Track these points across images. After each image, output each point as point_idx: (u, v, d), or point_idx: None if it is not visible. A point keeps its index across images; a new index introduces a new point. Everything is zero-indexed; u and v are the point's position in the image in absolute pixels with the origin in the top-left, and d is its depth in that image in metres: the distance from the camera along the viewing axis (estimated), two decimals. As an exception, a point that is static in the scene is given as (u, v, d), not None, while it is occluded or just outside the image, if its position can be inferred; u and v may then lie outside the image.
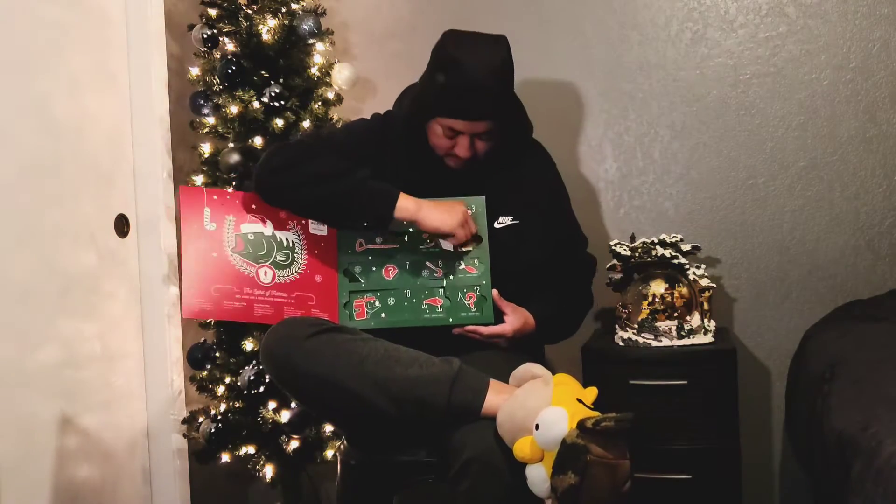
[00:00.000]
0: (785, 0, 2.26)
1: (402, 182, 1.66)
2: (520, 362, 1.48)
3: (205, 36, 2.18)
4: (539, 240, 1.77)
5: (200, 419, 2.20)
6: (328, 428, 2.15)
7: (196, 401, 2.30)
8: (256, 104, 2.11)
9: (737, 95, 2.30)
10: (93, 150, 2.12)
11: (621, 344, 2.05)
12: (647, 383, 1.96)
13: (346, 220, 1.67)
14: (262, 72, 2.16)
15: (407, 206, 1.61)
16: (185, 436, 2.26)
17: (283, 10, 2.18)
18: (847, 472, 1.28)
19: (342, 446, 1.69)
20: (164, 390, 2.28)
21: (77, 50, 2.08)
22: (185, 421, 2.24)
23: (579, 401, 1.33)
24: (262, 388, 2.10)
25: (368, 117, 1.84)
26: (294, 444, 2.13)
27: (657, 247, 2.06)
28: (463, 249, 1.69)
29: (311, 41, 2.21)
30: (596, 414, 1.28)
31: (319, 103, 2.21)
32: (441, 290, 1.69)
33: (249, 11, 2.16)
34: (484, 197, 1.71)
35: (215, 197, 1.68)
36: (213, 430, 2.12)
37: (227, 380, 2.16)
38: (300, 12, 2.20)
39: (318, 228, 1.72)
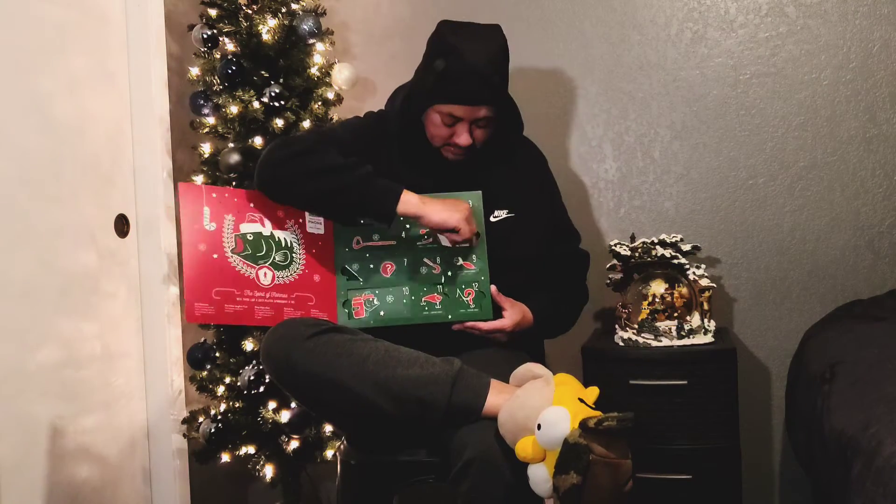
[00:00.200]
0: (785, 0, 2.26)
1: (398, 178, 1.66)
2: (520, 362, 1.48)
3: (205, 36, 2.18)
4: (535, 233, 1.79)
5: (200, 419, 2.20)
6: (328, 428, 2.15)
7: (196, 401, 2.30)
8: (256, 104, 2.11)
9: (737, 95, 2.30)
10: (93, 150, 2.12)
11: (621, 344, 2.05)
12: (648, 383, 1.96)
13: (350, 215, 1.67)
14: (262, 72, 2.16)
15: (411, 201, 1.61)
16: (185, 436, 2.26)
17: (283, 10, 2.18)
18: (847, 472, 1.28)
19: (342, 446, 1.69)
20: (164, 390, 2.28)
21: (77, 50, 2.08)
22: (185, 421, 2.24)
23: (581, 400, 1.33)
24: (262, 388, 2.10)
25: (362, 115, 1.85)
26: (294, 444, 2.13)
27: (657, 247, 2.06)
28: (461, 245, 1.69)
29: (311, 41, 2.21)
30: (598, 413, 1.28)
31: (319, 103, 2.21)
32: (439, 287, 1.69)
33: (249, 11, 2.16)
34: (480, 192, 1.72)
35: (214, 195, 1.67)
36: (213, 430, 2.12)
37: (227, 380, 2.16)
38: (300, 12, 2.20)
39: (315, 227, 1.71)
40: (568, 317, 1.89)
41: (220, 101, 2.14)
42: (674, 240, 2.07)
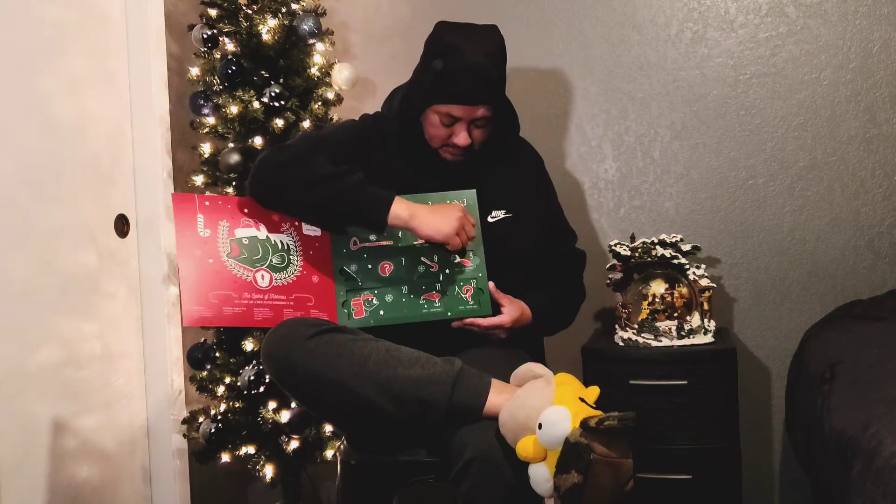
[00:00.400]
0: (785, 0, 2.26)
1: (395, 180, 1.66)
2: (521, 362, 1.48)
3: (205, 36, 2.18)
4: (532, 233, 1.79)
5: (200, 419, 2.20)
6: (328, 428, 2.15)
7: (196, 401, 2.30)
8: (256, 104, 2.11)
9: (737, 95, 2.30)
10: (93, 150, 2.12)
11: (621, 344, 2.05)
12: (648, 383, 1.96)
13: (340, 224, 1.68)
14: (262, 72, 2.16)
15: (400, 213, 1.60)
16: (185, 436, 2.26)
17: (283, 10, 2.18)
18: (847, 472, 1.28)
19: (342, 446, 1.69)
20: (164, 390, 2.28)
21: (77, 50, 2.08)
22: (185, 421, 2.24)
23: (582, 400, 1.33)
24: (262, 388, 2.10)
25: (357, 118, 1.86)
26: (294, 444, 2.13)
27: (657, 247, 2.06)
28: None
29: (311, 41, 2.21)
30: (598, 413, 1.28)
31: (319, 103, 2.21)
32: (438, 285, 1.69)
33: (249, 11, 2.16)
34: (475, 190, 1.72)
35: (207, 203, 1.67)
36: (213, 430, 2.12)
37: (227, 380, 2.16)
38: (300, 12, 2.20)
39: (311, 229, 1.71)
40: (566, 314, 1.90)
41: (220, 101, 2.14)
42: (674, 240, 2.07)
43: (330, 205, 1.62)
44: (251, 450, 2.15)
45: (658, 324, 2.04)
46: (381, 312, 1.68)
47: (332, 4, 2.44)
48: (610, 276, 2.14)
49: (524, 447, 1.31)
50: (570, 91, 2.40)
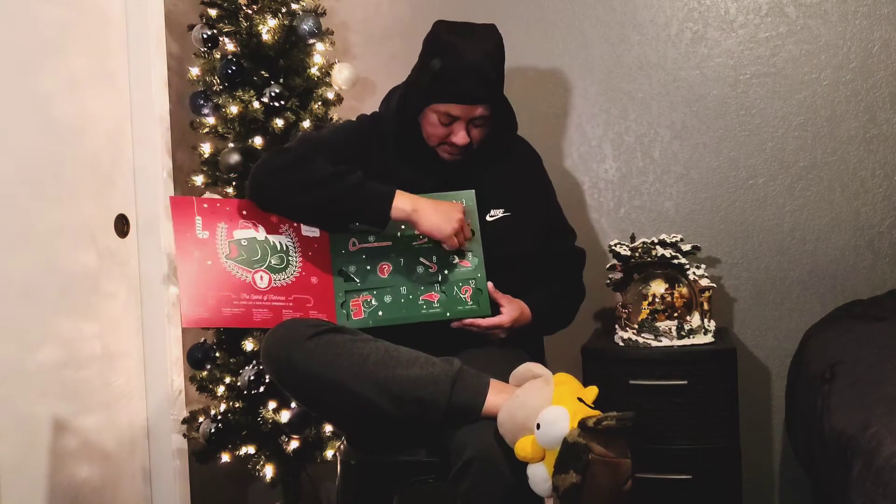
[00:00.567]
0: (785, 0, 2.26)
1: (393, 180, 1.66)
2: (520, 361, 1.48)
3: (205, 36, 2.18)
4: (531, 232, 1.79)
5: (200, 419, 2.20)
6: (328, 428, 2.15)
7: (196, 401, 2.30)
8: (256, 104, 2.11)
9: (737, 95, 2.30)
10: (93, 150, 2.12)
11: (621, 344, 2.05)
12: (648, 383, 1.96)
13: (343, 224, 1.67)
14: (262, 72, 2.16)
15: (403, 206, 1.61)
16: (185, 436, 2.26)
17: (283, 10, 2.18)
18: (847, 472, 1.28)
19: (342, 446, 1.69)
20: (164, 390, 2.28)
21: (77, 50, 2.08)
22: (185, 421, 2.24)
23: (580, 400, 1.33)
24: (262, 388, 2.10)
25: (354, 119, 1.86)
26: (294, 444, 2.13)
27: (657, 247, 2.06)
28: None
29: (311, 41, 2.21)
30: (597, 413, 1.28)
31: (319, 103, 2.21)
32: (437, 285, 1.69)
33: (249, 11, 2.16)
34: (473, 191, 1.72)
35: (205, 205, 1.67)
36: (213, 430, 2.12)
37: (227, 380, 2.16)
38: (300, 12, 2.20)
39: (310, 230, 1.72)
40: (566, 313, 1.89)
41: (220, 101, 2.14)
42: (674, 240, 2.07)
43: (331, 205, 1.62)
44: (251, 450, 2.15)
45: (658, 324, 2.04)
46: (380, 313, 1.68)
47: (332, 4, 2.44)
48: (610, 276, 2.14)
49: (523, 447, 1.31)
50: (570, 91, 2.40)
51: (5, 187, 1.84)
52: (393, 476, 1.59)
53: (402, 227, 1.69)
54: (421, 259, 1.70)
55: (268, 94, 2.12)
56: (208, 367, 2.19)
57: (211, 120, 2.20)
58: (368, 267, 1.70)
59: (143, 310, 2.28)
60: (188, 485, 2.32)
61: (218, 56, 2.19)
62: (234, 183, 2.15)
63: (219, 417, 2.13)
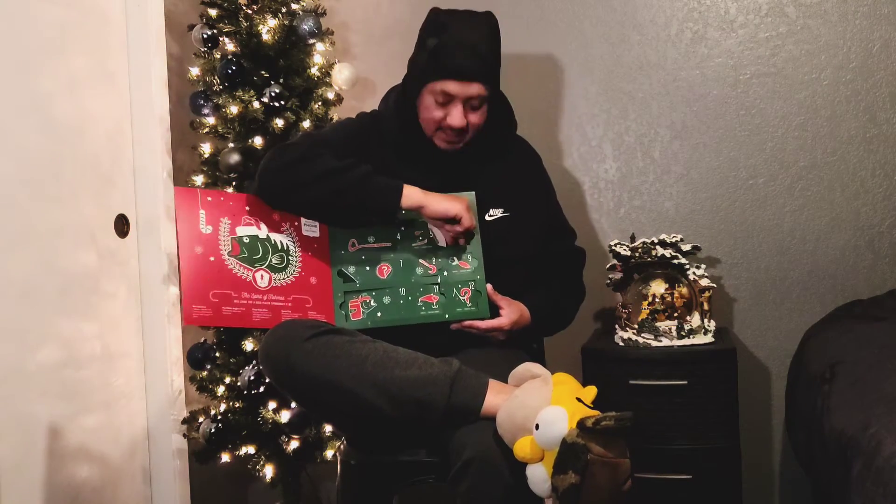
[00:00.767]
0: (785, 0, 2.26)
1: (394, 177, 1.66)
2: (519, 362, 1.48)
3: (205, 36, 2.18)
4: (530, 231, 1.79)
5: (200, 419, 2.20)
6: (328, 428, 2.15)
7: (196, 401, 2.30)
8: (256, 104, 2.11)
9: (737, 95, 2.30)
10: (93, 150, 2.12)
11: (621, 344, 2.05)
12: (647, 383, 1.96)
13: (353, 216, 1.67)
14: (262, 72, 2.16)
15: (413, 194, 1.63)
16: (185, 436, 2.26)
17: (283, 10, 2.18)
18: (847, 472, 1.28)
19: (342, 446, 1.69)
20: (164, 390, 2.28)
21: (77, 50, 2.08)
22: (185, 421, 2.24)
23: (579, 400, 1.33)
24: (262, 388, 2.10)
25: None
26: (294, 444, 2.13)
27: (657, 247, 2.06)
28: (460, 242, 1.69)
29: (311, 41, 2.21)
30: (596, 413, 1.28)
31: (319, 103, 2.21)
32: (436, 287, 1.69)
33: (249, 11, 2.16)
34: (474, 192, 1.72)
35: (209, 199, 1.67)
36: (213, 430, 2.12)
37: (227, 380, 2.16)
38: (300, 12, 2.20)
39: (310, 230, 1.71)
40: (566, 314, 1.89)
41: (220, 101, 2.14)
42: (674, 240, 2.07)
43: (340, 198, 1.62)
44: (251, 450, 2.15)
45: (658, 324, 2.04)
46: (379, 314, 1.67)
47: (332, 4, 2.45)
48: (610, 276, 2.14)
49: (521, 447, 1.31)
50: (571, 91, 2.40)
51: (5, 187, 1.84)
52: (393, 476, 1.59)
53: (403, 228, 1.69)
54: (420, 260, 1.70)
55: (268, 94, 2.12)
56: (208, 367, 2.19)
57: (211, 120, 2.20)
58: (368, 268, 1.70)
59: (143, 310, 2.28)
60: (188, 485, 2.32)
61: (218, 56, 2.19)
62: (233, 183, 2.15)
63: (219, 417, 2.13)
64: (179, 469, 2.29)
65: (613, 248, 2.09)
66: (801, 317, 2.26)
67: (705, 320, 2.04)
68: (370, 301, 1.68)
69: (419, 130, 1.74)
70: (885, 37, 2.20)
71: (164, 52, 2.29)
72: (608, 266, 2.14)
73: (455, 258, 1.70)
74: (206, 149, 2.22)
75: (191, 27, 2.23)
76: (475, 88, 1.67)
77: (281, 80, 2.17)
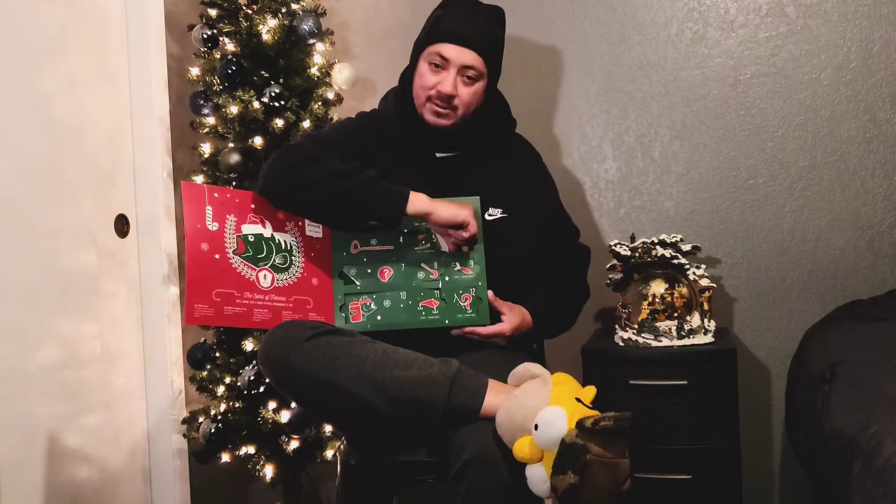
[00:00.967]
0: (785, 0, 2.26)
1: (393, 177, 1.66)
2: (518, 362, 1.48)
3: (205, 36, 2.18)
4: (530, 232, 1.79)
5: (200, 419, 2.20)
6: (328, 428, 2.15)
7: (196, 401, 2.30)
8: (256, 104, 2.11)
9: (737, 95, 2.30)
10: (93, 150, 2.12)
11: (621, 344, 2.05)
12: (647, 383, 1.96)
13: (357, 219, 1.67)
14: (262, 72, 2.16)
15: (418, 201, 1.62)
16: (185, 436, 2.26)
17: (283, 10, 2.18)
18: (847, 472, 1.28)
19: (342, 446, 1.69)
20: (164, 390, 2.28)
21: (77, 50, 2.08)
22: (185, 421, 2.24)
23: (578, 400, 1.33)
24: (262, 388, 2.10)
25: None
26: (294, 444, 2.13)
27: (657, 247, 2.06)
28: (463, 249, 1.69)
29: (311, 41, 2.21)
30: (595, 413, 1.28)
31: (319, 103, 2.21)
32: (437, 292, 1.69)
33: (249, 11, 2.16)
34: (478, 197, 1.71)
35: (216, 195, 1.66)
36: (213, 430, 2.12)
37: (227, 380, 2.17)
38: (300, 12, 2.20)
39: (313, 231, 1.71)
40: (568, 316, 1.89)
41: (220, 101, 2.14)
42: (674, 240, 2.06)
43: (345, 201, 1.62)
44: (251, 450, 2.15)
45: (658, 324, 2.04)
46: (379, 317, 1.67)
47: (332, 4, 2.44)
48: (610, 276, 2.14)
49: (521, 448, 1.31)
50: (571, 91, 2.40)
51: (5, 187, 1.84)
52: (393, 476, 1.59)
53: (405, 231, 1.69)
54: (422, 265, 1.70)
55: (268, 94, 2.12)
56: (208, 367, 2.19)
57: (211, 120, 2.20)
58: (369, 270, 1.69)
59: (143, 310, 2.28)
60: (188, 485, 2.32)
61: (218, 56, 2.19)
62: (233, 183, 2.15)
63: (219, 417, 2.13)
64: (179, 469, 2.29)
65: (613, 248, 2.09)
66: (801, 317, 2.26)
67: (705, 320, 2.04)
68: (370, 304, 1.68)
69: (418, 125, 1.74)
70: (885, 37, 2.20)
71: (164, 52, 2.29)
72: (608, 266, 2.14)
73: (457, 264, 1.70)
74: (206, 149, 2.22)
75: (191, 27, 2.23)
76: (470, 56, 1.68)
77: (281, 80, 2.17)
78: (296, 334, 1.48)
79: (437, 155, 1.77)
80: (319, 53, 2.24)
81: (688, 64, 2.32)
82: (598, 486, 1.24)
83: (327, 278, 1.69)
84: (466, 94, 1.71)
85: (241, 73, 2.13)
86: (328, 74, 2.25)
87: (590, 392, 1.38)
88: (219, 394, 2.17)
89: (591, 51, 2.38)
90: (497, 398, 1.40)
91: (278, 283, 1.67)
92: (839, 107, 2.24)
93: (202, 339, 2.23)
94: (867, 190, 2.23)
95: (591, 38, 2.38)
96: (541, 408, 1.32)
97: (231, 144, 2.17)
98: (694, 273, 2.05)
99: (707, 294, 2.05)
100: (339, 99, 2.28)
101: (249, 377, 2.10)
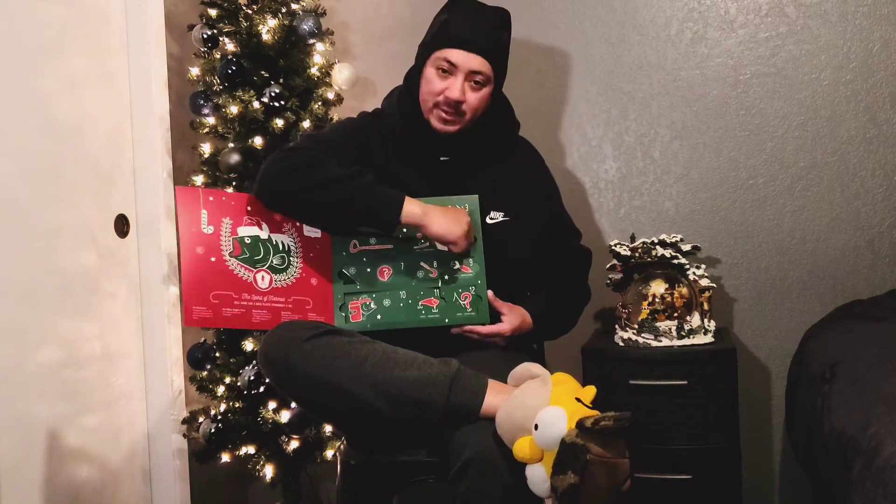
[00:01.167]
0: (785, 0, 2.26)
1: (393, 178, 1.66)
2: (518, 362, 1.48)
3: (205, 36, 2.18)
4: (531, 235, 1.78)
5: (200, 419, 2.20)
6: (328, 428, 2.15)
7: (196, 401, 2.30)
8: (256, 104, 2.11)
9: (737, 95, 2.30)
10: (93, 150, 2.12)
11: (621, 344, 2.05)
12: (647, 383, 1.96)
13: (352, 225, 1.66)
14: (262, 72, 2.16)
15: (413, 211, 1.61)
16: (185, 436, 2.26)
17: (283, 10, 2.18)
18: (847, 472, 1.28)
19: (342, 446, 1.69)
20: (164, 390, 2.28)
21: (77, 50, 2.08)
22: (185, 421, 2.24)
23: (578, 400, 1.33)
24: (262, 389, 2.11)
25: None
26: (294, 444, 2.13)
27: (657, 247, 2.06)
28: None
29: (311, 41, 2.21)
30: (595, 413, 1.28)
31: (319, 103, 2.21)
32: (436, 291, 1.69)
33: (249, 11, 2.16)
34: (477, 196, 1.71)
35: (211, 198, 1.66)
36: (213, 430, 2.12)
37: (227, 380, 2.17)
38: (300, 12, 2.20)
39: (312, 231, 1.71)
40: (569, 317, 1.89)
41: (220, 101, 2.14)
42: (674, 240, 2.06)
43: (342, 206, 1.61)
44: (251, 450, 2.15)
45: (658, 324, 2.04)
46: (379, 317, 1.67)
47: (332, 4, 2.45)
48: (610, 276, 2.14)
49: (521, 448, 1.31)
50: (571, 91, 2.40)
51: (5, 187, 1.84)
52: (393, 476, 1.59)
53: (405, 230, 1.69)
54: (422, 263, 1.70)
55: (268, 94, 2.12)
56: (208, 367, 2.19)
57: (211, 120, 2.20)
58: (369, 270, 1.69)
59: (143, 310, 2.28)
60: (188, 485, 2.32)
61: (218, 56, 2.19)
62: (233, 183, 2.15)
63: (219, 417, 2.13)
64: (179, 469, 2.29)
65: (613, 248, 2.09)
66: (801, 317, 2.26)
67: (705, 320, 2.04)
68: (370, 303, 1.68)
69: (421, 128, 1.74)
70: (885, 37, 2.20)
71: (164, 52, 2.29)
72: (608, 266, 2.14)
73: (456, 262, 1.70)
74: (206, 149, 2.22)
75: (191, 27, 2.23)
76: (478, 62, 1.67)
77: (281, 80, 2.17)
78: (295, 335, 1.48)
79: (441, 158, 1.77)
80: (319, 53, 2.24)
81: (688, 64, 2.32)
82: (598, 486, 1.24)
83: (326, 278, 1.69)
84: (474, 99, 1.71)
85: (241, 73, 2.13)
86: (328, 74, 2.25)
87: (590, 392, 1.38)
88: (219, 394, 2.17)
89: (591, 51, 2.38)
90: (497, 398, 1.40)
91: (276, 283, 1.67)
92: (839, 107, 2.24)
93: (202, 339, 2.23)
94: (867, 190, 2.23)
95: (591, 39, 2.38)
96: (541, 408, 1.31)
97: (231, 144, 2.17)
98: (694, 273, 2.05)
99: (707, 294, 2.05)
100: (339, 99, 2.28)
101: (249, 377, 2.10)
